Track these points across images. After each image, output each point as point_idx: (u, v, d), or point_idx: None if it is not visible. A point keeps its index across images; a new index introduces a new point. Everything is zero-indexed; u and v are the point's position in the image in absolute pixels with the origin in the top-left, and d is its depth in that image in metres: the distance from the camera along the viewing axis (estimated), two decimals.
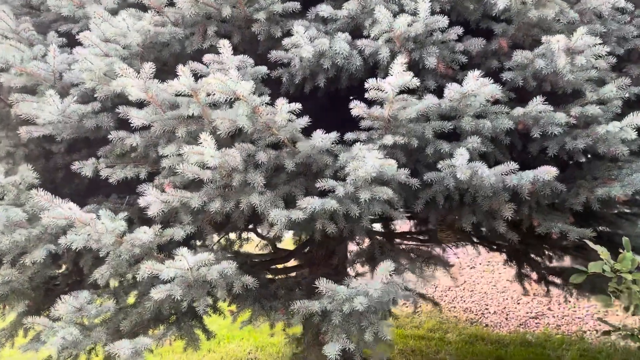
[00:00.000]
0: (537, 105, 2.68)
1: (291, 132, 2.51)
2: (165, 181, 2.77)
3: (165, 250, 2.84)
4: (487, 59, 2.99)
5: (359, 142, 2.48)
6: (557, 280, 4.17)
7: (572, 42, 2.64)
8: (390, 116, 2.56)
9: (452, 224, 3.46)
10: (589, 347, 6.66)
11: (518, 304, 8.22)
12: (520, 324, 7.60)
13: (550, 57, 2.71)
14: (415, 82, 2.38)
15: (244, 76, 2.59)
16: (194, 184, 2.74)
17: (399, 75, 2.34)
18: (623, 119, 2.82)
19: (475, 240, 4.05)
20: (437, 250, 4.16)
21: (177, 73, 2.44)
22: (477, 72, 2.42)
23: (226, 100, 2.45)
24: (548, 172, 2.57)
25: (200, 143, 2.38)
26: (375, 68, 2.83)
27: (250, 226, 3.98)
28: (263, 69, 2.70)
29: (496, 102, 2.80)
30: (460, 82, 2.62)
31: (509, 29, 2.89)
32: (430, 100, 2.53)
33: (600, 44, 2.64)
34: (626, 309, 2.91)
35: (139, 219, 3.13)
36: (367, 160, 2.28)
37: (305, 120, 2.48)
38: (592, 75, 2.80)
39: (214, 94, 2.42)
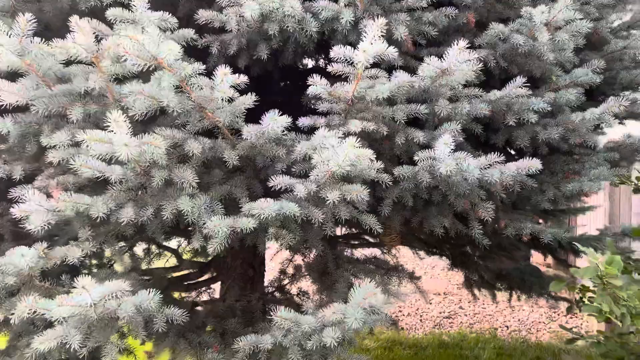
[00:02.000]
0: (515, 88, 2.31)
1: (232, 115, 1.90)
2: (52, 182, 2.01)
3: (50, 276, 2.09)
4: (450, 36, 2.59)
5: (322, 129, 1.93)
6: (497, 284, 3.93)
7: (552, 15, 2.31)
8: (356, 96, 2.04)
9: (395, 226, 3.03)
10: (503, 345, 6.66)
11: (430, 304, 8.13)
12: (435, 325, 7.48)
13: (526, 32, 2.36)
14: (393, 51, 1.89)
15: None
16: (94, 186, 2.02)
17: (374, 42, 1.83)
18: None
19: (415, 244, 3.68)
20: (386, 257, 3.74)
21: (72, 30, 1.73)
22: (462, 43, 1.98)
23: (141, 69, 1.78)
24: (532, 165, 2.21)
25: (106, 128, 1.69)
26: (329, 39, 2.30)
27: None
28: (190, 33, 2.05)
29: (465, 85, 2.40)
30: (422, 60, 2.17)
31: (477, 1, 2.50)
32: (403, 77, 2.05)
33: (580, 19, 2.34)
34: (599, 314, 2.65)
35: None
36: (339, 150, 1.74)
37: (251, 99, 1.89)
38: (567, 57, 2.50)
39: (124, 59, 1.74)
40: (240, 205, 1.91)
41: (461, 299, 8.12)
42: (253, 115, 1.96)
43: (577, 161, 3.01)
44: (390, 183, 2.08)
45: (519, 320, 7.44)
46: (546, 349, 6.47)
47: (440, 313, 7.79)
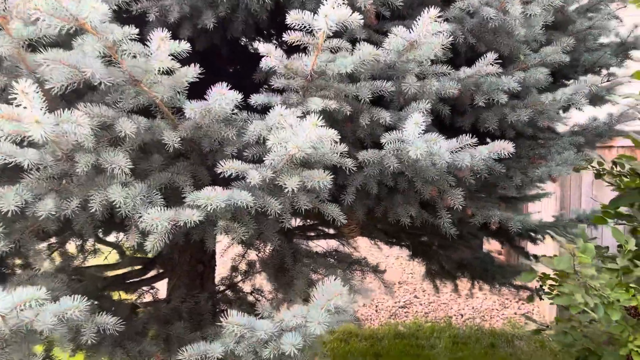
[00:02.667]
0: (486, 65, 2.14)
1: (172, 90, 1.62)
2: None
3: None
4: (414, 9, 2.39)
5: (278, 106, 1.68)
6: (457, 274, 3.81)
7: None
8: (315, 71, 1.81)
9: (357, 217, 2.82)
10: (458, 333, 6.66)
11: (386, 294, 8.04)
12: (391, 315, 7.40)
13: (497, 5, 2.20)
14: (357, 18, 1.66)
15: None
16: (7, 173, 1.71)
17: (337, 6, 1.60)
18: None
19: (374, 234, 3.50)
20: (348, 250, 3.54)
21: None
22: (434, 11, 1.77)
23: (59, 32, 1.48)
24: (505, 148, 2.05)
25: (14, 102, 1.39)
26: (284, 8, 2.05)
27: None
28: None
29: (432, 62, 2.22)
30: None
31: None
32: (367, 49, 1.83)
33: None
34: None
35: None
36: (299, 130, 1.50)
37: (195, 71, 1.62)
38: (536, 34, 2.35)
39: (38, 19, 1.44)
40: (183, 195, 1.64)
41: (416, 288, 8.09)
42: (198, 96, 1.69)
43: (542, 145, 2.90)
44: (354, 169, 1.87)
45: (472, 308, 7.47)
46: (500, 335, 6.51)
47: (395, 303, 7.72)
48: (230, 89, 1.63)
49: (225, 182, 1.66)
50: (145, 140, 1.74)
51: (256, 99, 1.80)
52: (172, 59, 1.55)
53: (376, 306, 7.69)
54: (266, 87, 1.98)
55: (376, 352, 6.23)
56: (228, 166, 1.57)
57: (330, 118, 1.99)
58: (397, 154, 1.91)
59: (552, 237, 2.29)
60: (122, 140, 1.64)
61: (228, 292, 2.95)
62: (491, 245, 8.83)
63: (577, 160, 2.61)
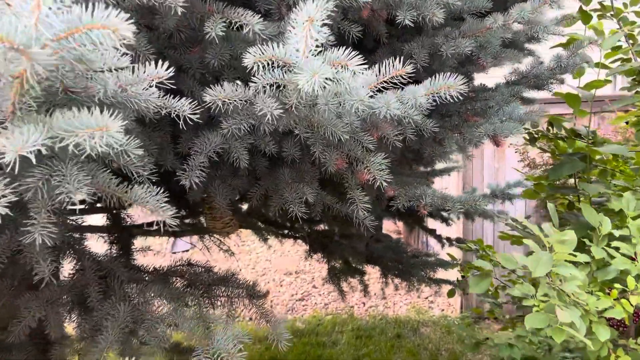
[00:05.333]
0: None
1: None
2: None
3: None
4: None
5: None
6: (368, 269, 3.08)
7: None
8: None
9: (219, 205, 1.91)
10: (361, 325, 6.07)
11: (281, 286, 7.25)
12: (288, 310, 6.62)
13: None
14: None
15: None
16: None
17: None
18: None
19: (261, 225, 2.63)
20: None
21: None
22: None
23: None
24: (451, 86, 1.28)
25: None
26: None
27: None
28: None
29: None
30: None
31: None
32: None
33: None
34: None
35: None
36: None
37: None
38: None
39: None
40: None
41: (314, 277, 7.36)
42: None
43: (475, 99, 2.19)
44: (196, 119, 0.96)
45: (374, 294, 6.91)
46: (405, 323, 6.01)
47: (292, 295, 6.94)
48: None
49: None
50: None
51: None
52: None
53: (271, 301, 6.86)
54: None
55: (272, 356, 5.43)
56: None
57: (159, 36, 1.07)
58: (280, 93, 1.04)
59: (527, 224, 1.57)
60: None
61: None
62: (387, 225, 8.33)
63: (527, 115, 1.92)
